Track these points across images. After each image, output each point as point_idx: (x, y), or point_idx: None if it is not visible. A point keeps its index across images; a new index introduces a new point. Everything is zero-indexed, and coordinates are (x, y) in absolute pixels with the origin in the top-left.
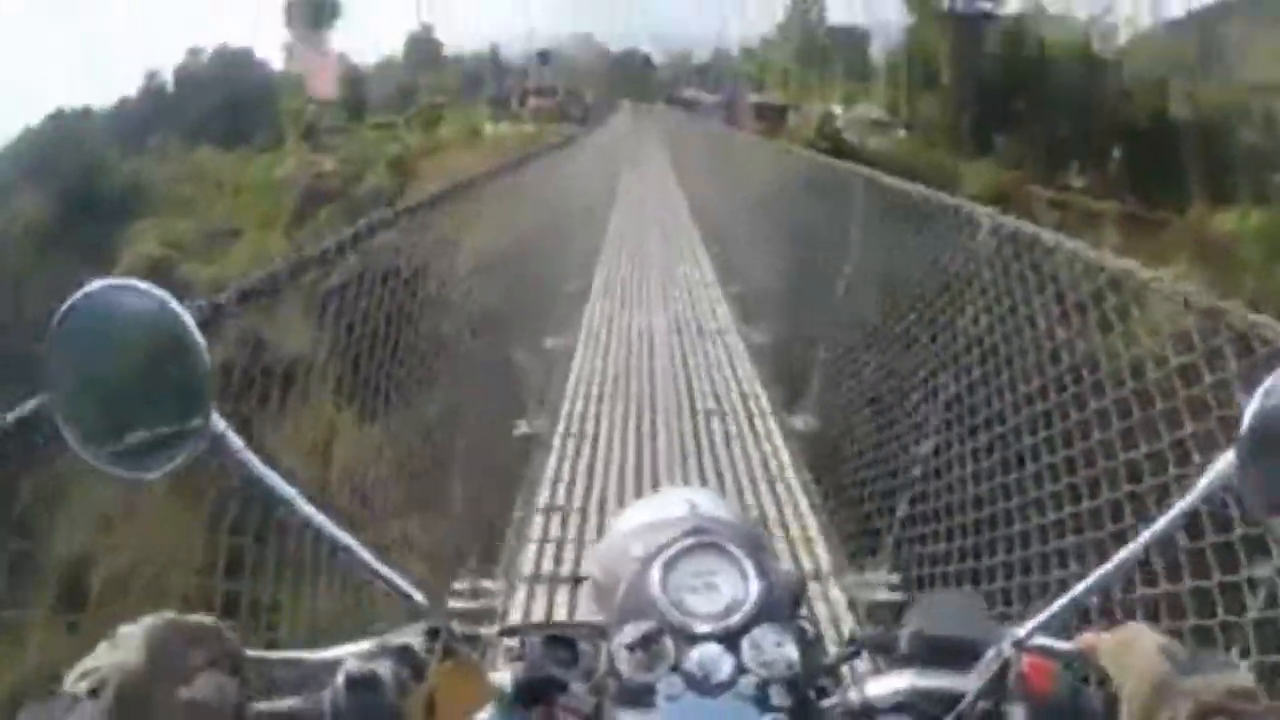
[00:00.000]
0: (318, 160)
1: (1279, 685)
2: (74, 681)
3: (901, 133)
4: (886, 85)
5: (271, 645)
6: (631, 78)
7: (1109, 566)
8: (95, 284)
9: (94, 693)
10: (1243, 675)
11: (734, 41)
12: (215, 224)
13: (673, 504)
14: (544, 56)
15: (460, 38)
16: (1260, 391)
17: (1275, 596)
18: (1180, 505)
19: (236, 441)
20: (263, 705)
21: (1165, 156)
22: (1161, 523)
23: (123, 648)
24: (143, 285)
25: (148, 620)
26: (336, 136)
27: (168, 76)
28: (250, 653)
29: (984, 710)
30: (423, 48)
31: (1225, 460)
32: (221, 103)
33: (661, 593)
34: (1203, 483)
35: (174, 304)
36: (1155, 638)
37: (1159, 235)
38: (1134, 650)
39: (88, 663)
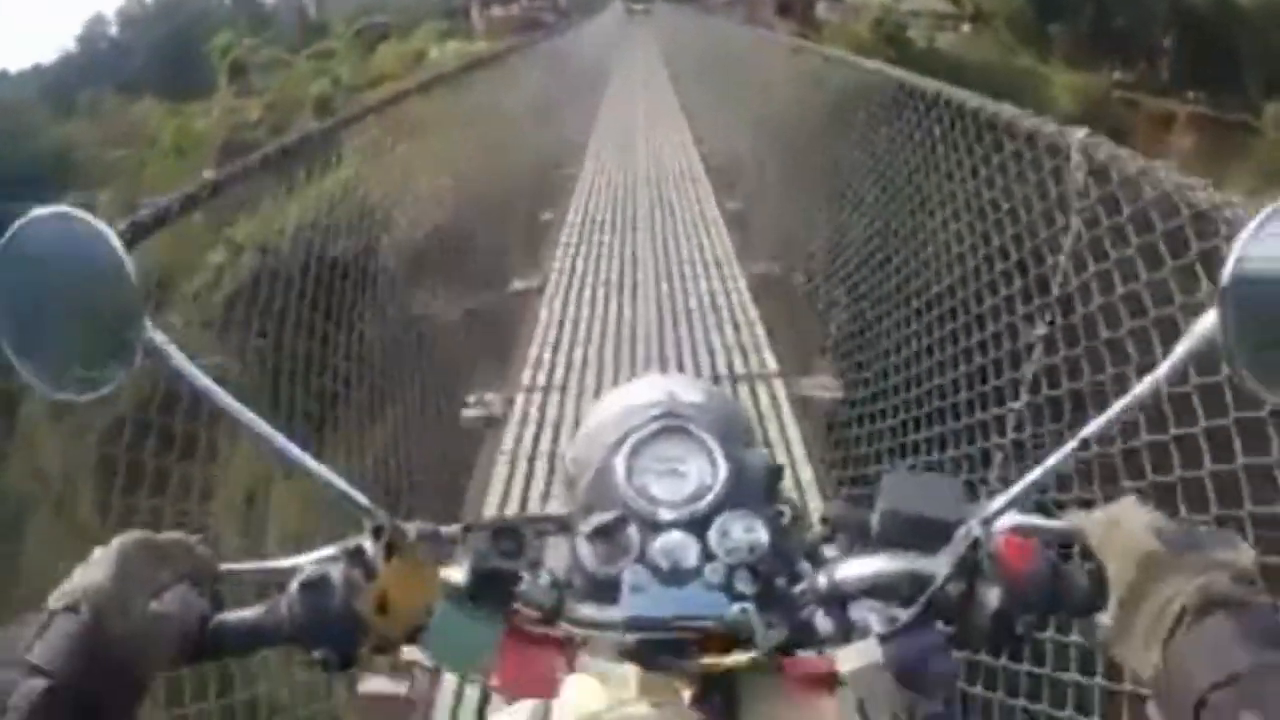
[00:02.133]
0: (243, 106)
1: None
2: (55, 600)
3: (966, 27)
4: None
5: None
6: None
7: (1086, 434)
8: (28, 215)
9: (71, 609)
10: (1243, 553)
11: None
12: (138, 192)
13: (647, 390)
14: None
15: None
16: (1239, 242)
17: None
18: (1163, 366)
19: (174, 351)
20: (228, 615)
21: (1224, 46)
22: (1142, 386)
23: (97, 566)
24: (71, 211)
25: (119, 539)
26: (273, 74)
27: (112, 20)
28: (224, 565)
29: (958, 592)
30: None
31: (1207, 318)
32: (166, 45)
33: (626, 480)
34: (1183, 344)
35: (97, 224)
36: (1146, 514)
37: (1245, 141)
38: (1123, 527)
39: (66, 584)
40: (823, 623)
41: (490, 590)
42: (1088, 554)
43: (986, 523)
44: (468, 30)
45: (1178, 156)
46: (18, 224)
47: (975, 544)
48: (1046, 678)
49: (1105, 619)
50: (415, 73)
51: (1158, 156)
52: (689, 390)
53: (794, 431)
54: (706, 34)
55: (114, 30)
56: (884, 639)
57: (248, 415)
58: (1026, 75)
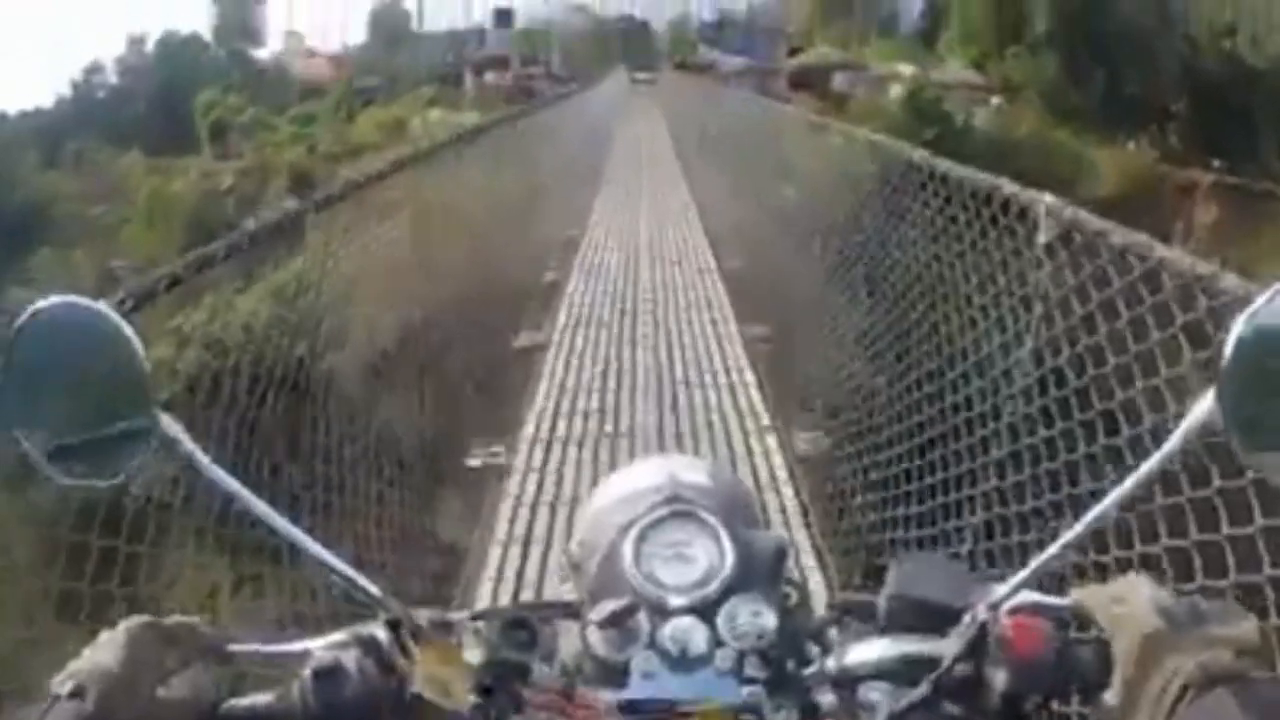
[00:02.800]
0: (218, 171)
1: None
2: (59, 684)
3: (995, 100)
4: (961, 37)
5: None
6: (630, 44)
7: (1090, 518)
8: (39, 304)
9: (76, 695)
10: (1246, 629)
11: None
12: (112, 254)
13: (650, 473)
14: (503, 16)
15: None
16: (1239, 322)
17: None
18: (1162, 450)
19: (187, 441)
20: (239, 701)
21: (1238, 109)
22: (1146, 466)
23: (103, 651)
24: (81, 301)
25: (126, 624)
26: (255, 135)
27: (110, 69)
28: (232, 647)
29: (965, 674)
30: (387, 21)
31: (1206, 400)
32: (159, 98)
33: (634, 566)
34: (1184, 425)
35: (110, 313)
36: (1152, 590)
37: (1270, 210)
38: (1129, 604)
39: (72, 667)
40: (831, 706)
41: (502, 680)
42: (1093, 630)
43: (994, 607)
44: (458, 97)
45: (1205, 229)
46: (29, 312)
47: (983, 628)
48: None
49: (1110, 697)
50: (396, 142)
51: (1185, 229)
52: (692, 472)
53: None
54: (718, 109)
55: (113, 78)
56: None
57: (260, 506)
58: (1067, 151)
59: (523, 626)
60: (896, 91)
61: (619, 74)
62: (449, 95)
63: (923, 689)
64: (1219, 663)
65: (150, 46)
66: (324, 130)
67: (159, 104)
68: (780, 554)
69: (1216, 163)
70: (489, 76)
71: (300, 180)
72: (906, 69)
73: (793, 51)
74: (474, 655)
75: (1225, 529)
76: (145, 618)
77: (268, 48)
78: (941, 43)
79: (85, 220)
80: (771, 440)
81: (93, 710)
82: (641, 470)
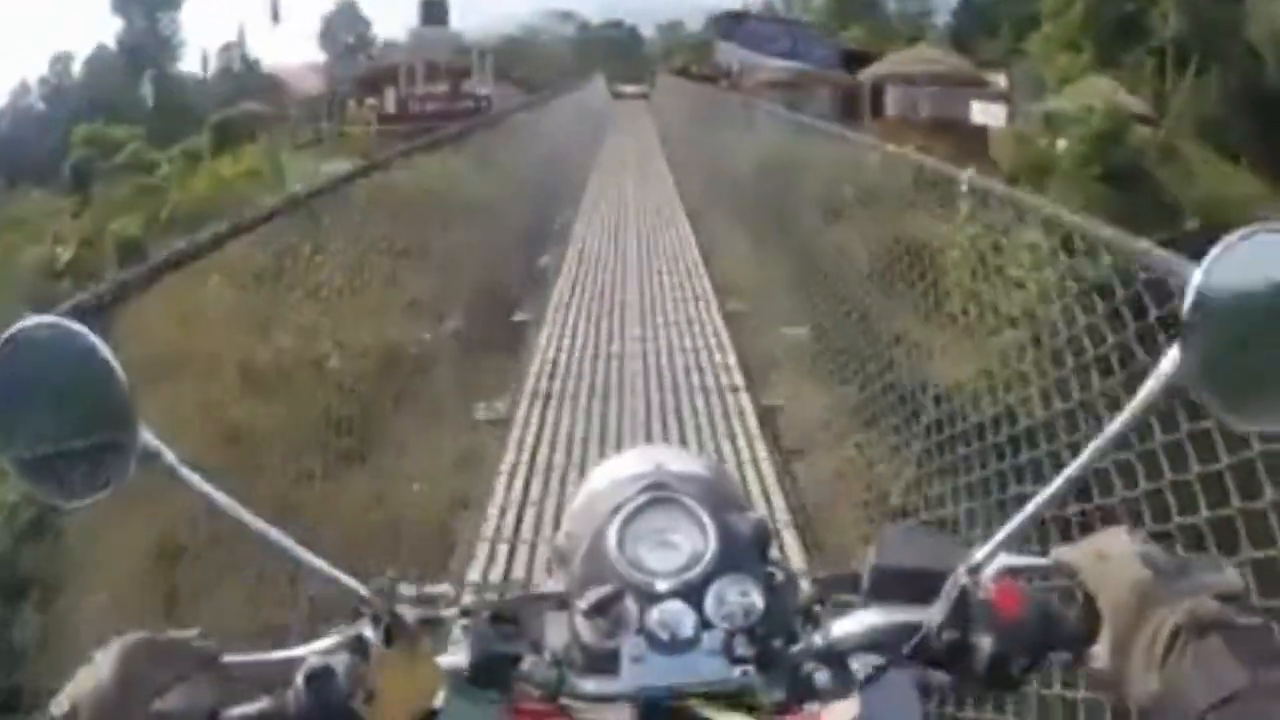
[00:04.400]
0: (63, 235)
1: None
2: (55, 706)
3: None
4: (1060, 41)
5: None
6: (615, 52)
7: (1066, 475)
8: (16, 326)
9: (71, 716)
10: (1230, 576)
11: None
12: None
13: (634, 463)
14: (433, 10)
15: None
16: (1198, 273)
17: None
18: (1132, 404)
19: (169, 454)
20: (234, 710)
21: None
22: (1114, 425)
23: (97, 669)
24: (60, 321)
25: (119, 640)
26: (119, 182)
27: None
28: (226, 658)
29: (951, 640)
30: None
31: (1171, 353)
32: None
33: (619, 553)
34: (1150, 379)
35: (87, 333)
36: (1134, 543)
37: None
38: (1111, 558)
39: (67, 688)
40: (823, 679)
41: (492, 673)
42: (1077, 586)
43: (973, 571)
44: (339, 128)
45: None
46: (9, 333)
47: (963, 592)
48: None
49: (1099, 652)
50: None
51: None
52: (676, 460)
53: None
54: (752, 144)
55: (40, 103)
56: (862, 690)
57: (246, 514)
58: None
59: (511, 619)
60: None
61: (593, 89)
62: (329, 128)
63: (888, 657)
64: (1208, 610)
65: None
66: (175, 183)
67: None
68: (763, 534)
69: None
70: (389, 100)
71: (132, 251)
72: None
73: (857, 58)
74: (463, 649)
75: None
76: (138, 634)
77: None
78: (1031, 43)
79: None
80: None
81: None
82: (625, 460)
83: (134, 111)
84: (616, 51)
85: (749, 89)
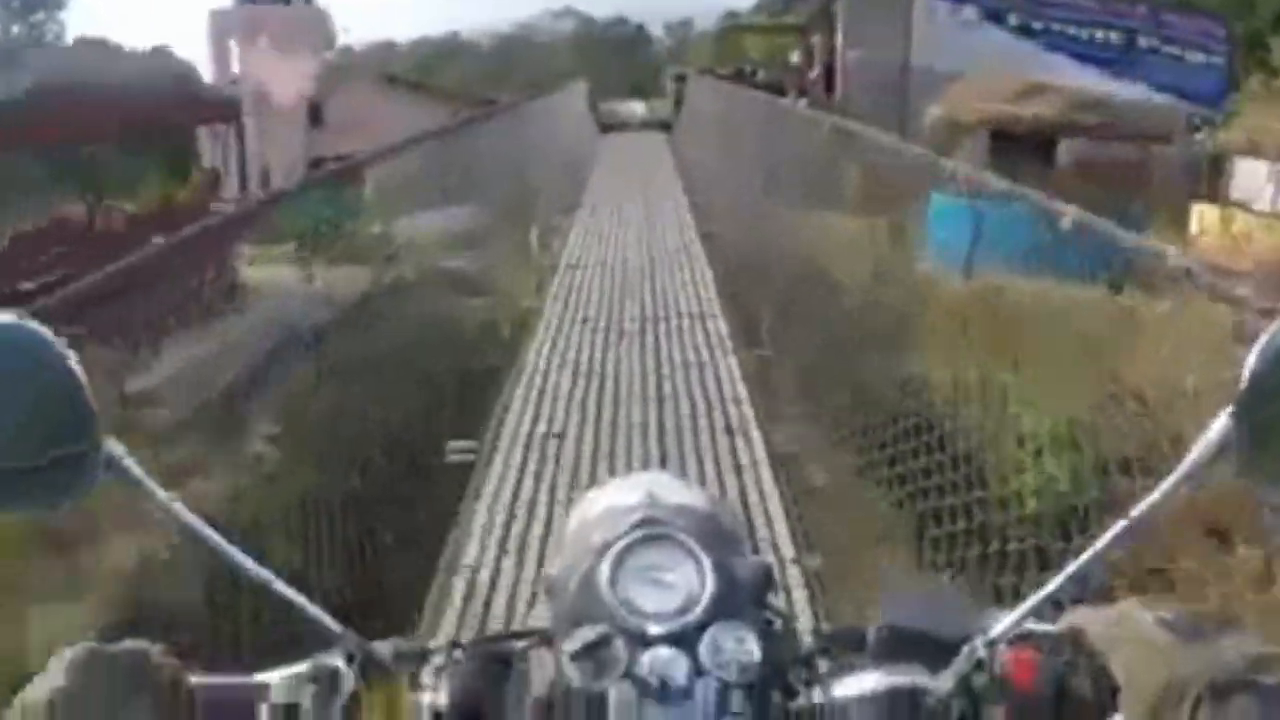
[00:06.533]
0: None
1: None
2: (8, 715)
3: None
4: None
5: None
6: (619, 54)
7: (1099, 547)
8: None
9: None
10: (1249, 639)
11: None
12: None
13: (628, 493)
14: None
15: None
16: (1259, 347)
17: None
18: (1172, 478)
19: (133, 466)
20: None
21: None
22: (1156, 494)
23: (47, 682)
24: (20, 322)
25: (71, 651)
26: None
27: None
28: (190, 679)
29: (963, 710)
30: None
31: (1221, 425)
32: None
33: (610, 592)
34: (1196, 451)
35: (47, 335)
36: (1150, 609)
37: None
38: (1128, 626)
39: (21, 696)
40: None
41: (472, 715)
42: (1091, 655)
43: (991, 643)
44: None
45: None
46: None
47: (979, 664)
48: None
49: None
50: None
51: None
52: (671, 491)
53: None
54: None
55: None
56: None
57: (208, 532)
58: None
59: (495, 657)
60: None
61: (557, 112)
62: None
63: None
64: (1232, 672)
65: None
66: None
67: None
68: (765, 578)
69: None
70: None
71: None
72: None
73: None
74: (443, 689)
75: None
76: (91, 644)
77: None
78: None
79: None
80: None
81: None
82: (619, 489)
83: None
84: (620, 52)
85: (955, 140)
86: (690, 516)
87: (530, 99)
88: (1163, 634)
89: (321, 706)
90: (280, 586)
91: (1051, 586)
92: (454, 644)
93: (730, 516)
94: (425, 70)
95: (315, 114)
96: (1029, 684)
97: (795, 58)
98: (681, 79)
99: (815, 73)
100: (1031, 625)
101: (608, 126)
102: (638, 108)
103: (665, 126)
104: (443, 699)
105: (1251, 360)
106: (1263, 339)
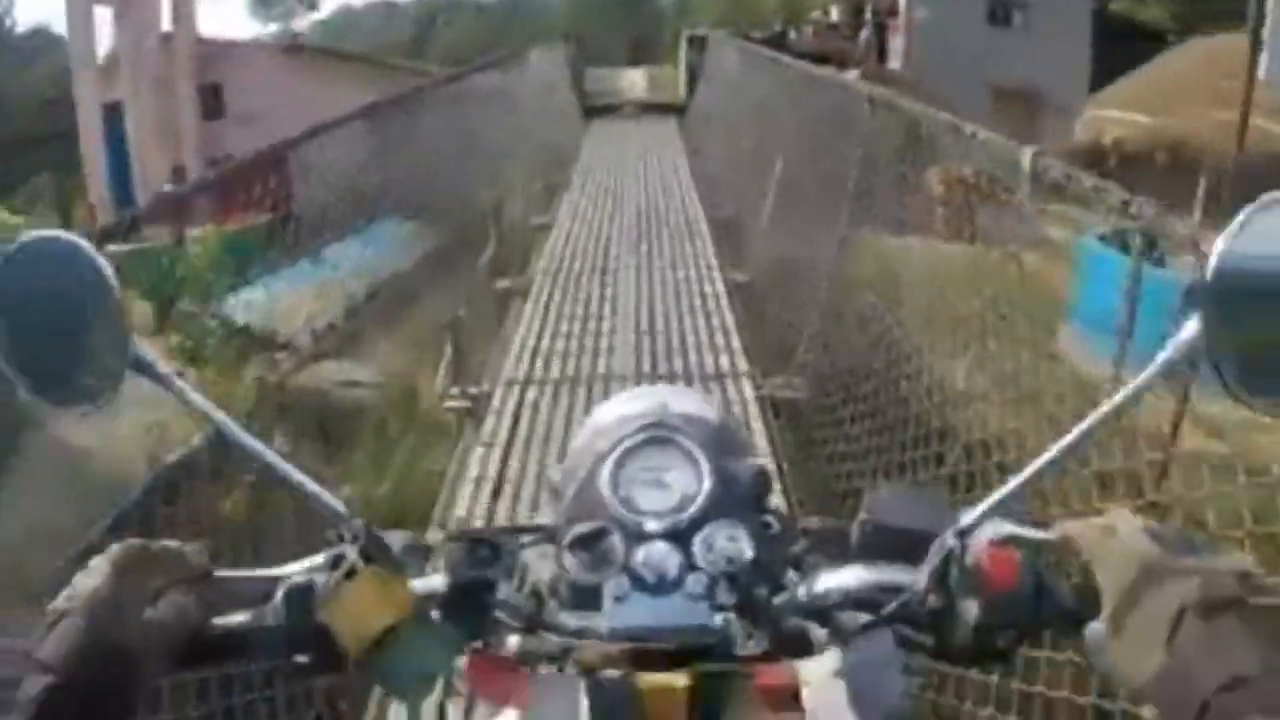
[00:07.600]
0: None
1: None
2: (60, 602)
3: None
4: None
5: (236, 563)
6: (620, 10)
7: (1064, 445)
8: (22, 239)
9: (67, 615)
10: (1240, 558)
11: None
12: None
13: (637, 402)
14: None
15: None
16: (1221, 243)
17: None
18: (1143, 375)
19: (162, 365)
20: (220, 621)
21: None
22: (1122, 394)
23: (94, 573)
24: (62, 235)
25: (116, 546)
26: None
27: None
28: (218, 572)
29: (937, 605)
30: None
31: (1189, 325)
32: None
33: (611, 490)
34: (1166, 350)
35: (86, 247)
36: (1141, 521)
37: None
38: (1118, 534)
39: (66, 590)
40: (805, 632)
41: (467, 599)
42: (1075, 565)
43: (962, 534)
44: None
45: None
46: (14, 246)
47: (951, 556)
48: (1040, 695)
49: (1098, 627)
50: None
51: None
52: (680, 401)
53: None
54: None
55: None
56: (842, 649)
57: (230, 425)
58: None
59: (491, 547)
60: None
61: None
62: None
63: (873, 619)
64: (1221, 588)
65: None
66: None
67: None
68: (761, 482)
69: None
70: None
71: None
72: None
73: None
74: (442, 575)
75: None
76: (133, 542)
77: None
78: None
79: None
80: None
81: (85, 627)
82: (630, 398)
83: None
84: (621, 7)
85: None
86: (696, 425)
87: (480, 69)
88: (1153, 547)
89: (328, 589)
90: (297, 474)
91: (1025, 475)
92: (456, 534)
93: (734, 424)
94: (422, 30)
95: (214, 101)
96: (1007, 582)
97: (835, 15)
98: (699, 43)
99: (864, 34)
100: (1020, 529)
101: (594, 109)
102: (638, 78)
103: (676, 110)
104: (440, 583)
105: (1213, 260)
106: (1221, 240)
